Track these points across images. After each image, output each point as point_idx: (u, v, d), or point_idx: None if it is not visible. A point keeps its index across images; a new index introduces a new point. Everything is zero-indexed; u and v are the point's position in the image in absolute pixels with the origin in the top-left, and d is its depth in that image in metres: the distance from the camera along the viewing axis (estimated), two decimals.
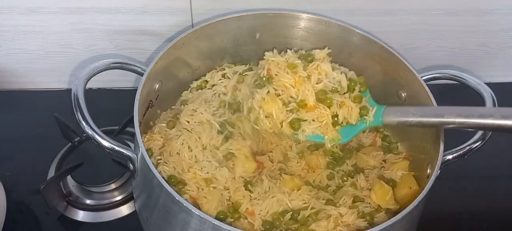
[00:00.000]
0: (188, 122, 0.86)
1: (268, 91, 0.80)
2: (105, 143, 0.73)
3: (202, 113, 0.86)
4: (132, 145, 0.93)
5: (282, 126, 0.80)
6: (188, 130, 0.85)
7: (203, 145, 0.83)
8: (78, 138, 0.98)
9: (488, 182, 1.01)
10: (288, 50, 0.89)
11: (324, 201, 0.81)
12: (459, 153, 0.78)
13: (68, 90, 0.91)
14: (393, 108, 0.81)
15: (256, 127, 0.82)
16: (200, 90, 0.95)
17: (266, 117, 0.80)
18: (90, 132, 0.73)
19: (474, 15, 1.06)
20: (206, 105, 0.89)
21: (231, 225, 0.66)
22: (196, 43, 0.92)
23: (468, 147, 0.78)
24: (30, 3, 0.96)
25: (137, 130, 0.73)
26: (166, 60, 0.87)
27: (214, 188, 0.79)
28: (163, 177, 0.69)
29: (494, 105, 0.80)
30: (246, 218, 0.78)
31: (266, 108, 0.80)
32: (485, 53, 1.15)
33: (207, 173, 0.80)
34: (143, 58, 1.07)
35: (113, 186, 0.93)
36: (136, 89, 0.79)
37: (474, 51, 1.14)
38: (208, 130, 0.84)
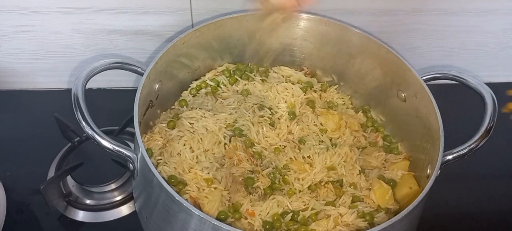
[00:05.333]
0: (191, 125, 0.86)
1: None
2: (105, 143, 0.73)
3: (208, 123, 0.86)
4: (132, 145, 0.93)
5: None
6: (190, 131, 0.85)
7: (205, 148, 0.83)
8: (78, 138, 0.97)
9: (488, 182, 1.01)
10: None
11: (324, 202, 0.81)
12: (459, 153, 0.78)
13: (68, 90, 0.91)
14: None
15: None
16: (200, 90, 0.96)
17: None
18: (90, 132, 0.73)
19: (474, 15, 1.06)
20: (212, 116, 0.88)
21: (231, 225, 0.66)
22: (196, 43, 0.92)
23: (468, 147, 0.78)
24: (30, 3, 0.96)
25: (137, 130, 0.73)
26: (166, 60, 0.87)
27: (215, 188, 0.79)
28: (163, 177, 0.69)
29: (494, 105, 0.80)
30: (246, 219, 0.78)
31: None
32: (485, 53, 1.15)
33: (208, 173, 0.80)
34: (143, 58, 1.07)
35: (113, 186, 0.92)
36: (136, 89, 0.79)
37: (474, 51, 1.14)
38: (211, 136, 0.84)
